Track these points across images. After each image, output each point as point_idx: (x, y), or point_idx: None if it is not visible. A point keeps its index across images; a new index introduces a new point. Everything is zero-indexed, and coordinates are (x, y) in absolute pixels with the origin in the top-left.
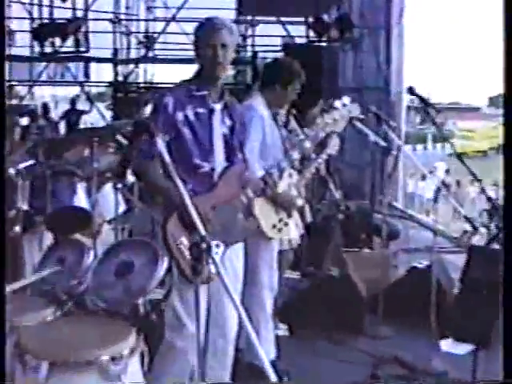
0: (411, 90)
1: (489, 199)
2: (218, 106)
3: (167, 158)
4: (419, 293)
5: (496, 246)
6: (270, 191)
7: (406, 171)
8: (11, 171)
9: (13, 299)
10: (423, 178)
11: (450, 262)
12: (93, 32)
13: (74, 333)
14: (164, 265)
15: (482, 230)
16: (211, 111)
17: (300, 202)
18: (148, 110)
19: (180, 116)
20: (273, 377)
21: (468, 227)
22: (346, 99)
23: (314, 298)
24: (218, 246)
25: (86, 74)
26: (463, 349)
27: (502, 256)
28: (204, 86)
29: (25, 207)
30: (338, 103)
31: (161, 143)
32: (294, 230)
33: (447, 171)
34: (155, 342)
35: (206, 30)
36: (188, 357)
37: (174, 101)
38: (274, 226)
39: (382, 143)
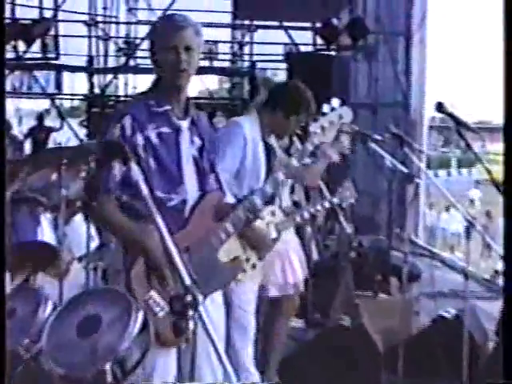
0: (440, 107)
1: None
2: (184, 124)
3: (145, 188)
4: (446, 347)
5: None
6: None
7: (425, 201)
8: None
9: None
10: (447, 208)
11: (482, 310)
12: (64, 36)
13: None
14: (138, 320)
15: None
16: (177, 130)
17: (274, 244)
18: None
19: (140, 139)
20: None
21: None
22: (335, 101)
23: (321, 352)
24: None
25: (58, 86)
26: None
27: None
28: (164, 99)
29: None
30: (325, 107)
31: (137, 170)
32: (259, 276)
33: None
34: None
35: (166, 30)
36: None
37: (131, 121)
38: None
39: (403, 169)
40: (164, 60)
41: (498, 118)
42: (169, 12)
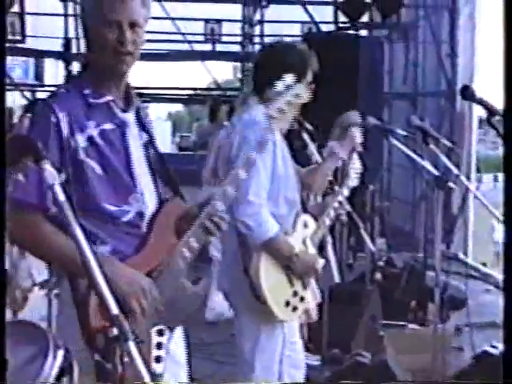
0: (466, 92)
1: None
2: (129, 116)
3: (61, 195)
4: None
5: None
6: (281, 251)
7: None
8: None
9: None
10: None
11: None
12: (33, 14)
13: None
14: (56, 362)
15: None
16: (123, 126)
17: (321, 263)
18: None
19: (81, 140)
20: None
21: None
22: (290, 78)
23: None
24: (160, 333)
25: (38, 77)
26: None
27: None
28: (103, 88)
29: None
30: (279, 85)
31: (51, 172)
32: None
33: None
34: None
35: (108, 1)
36: None
37: (68, 117)
38: (288, 304)
39: (433, 171)
40: (102, 39)
41: None
42: None
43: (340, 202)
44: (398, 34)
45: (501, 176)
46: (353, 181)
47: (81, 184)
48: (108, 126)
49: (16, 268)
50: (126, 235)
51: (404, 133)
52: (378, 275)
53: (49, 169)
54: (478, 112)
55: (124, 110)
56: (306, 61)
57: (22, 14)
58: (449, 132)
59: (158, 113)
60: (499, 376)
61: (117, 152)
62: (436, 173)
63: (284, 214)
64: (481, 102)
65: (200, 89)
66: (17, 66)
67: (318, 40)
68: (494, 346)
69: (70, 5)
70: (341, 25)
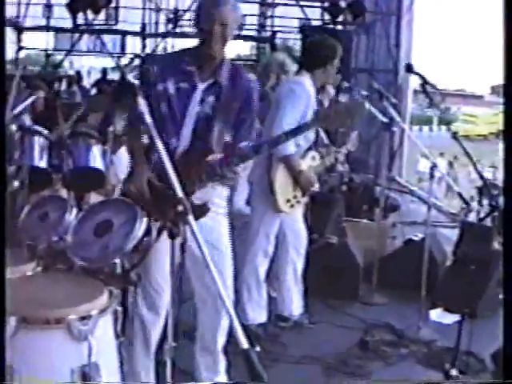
0: (409, 68)
1: (481, 177)
2: (202, 85)
3: (148, 118)
4: (413, 264)
5: (488, 223)
6: (293, 165)
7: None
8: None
9: None
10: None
11: (444, 236)
12: (124, 7)
13: (46, 290)
14: (142, 226)
15: (475, 206)
16: (193, 88)
17: (316, 185)
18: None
19: (160, 87)
20: (244, 343)
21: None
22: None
23: (313, 264)
24: None
25: (122, 48)
26: (451, 319)
27: (491, 233)
28: (194, 61)
29: (43, 165)
30: None
31: (143, 104)
32: (301, 209)
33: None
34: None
35: (207, 5)
36: (150, 332)
37: (156, 71)
38: (288, 201)
39: (383, 119)
40: (202, 30)
41: (470, 87)
42: None
43: (339, 152)
44: (362, 29)
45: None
46: (351, 146)
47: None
48: (184, 86)
49: (108, 170)
50: None
51: (366, 93)
52: (344, 187)
53: (141, 102)
54: (413, 84)
55: (202, 80)
56: (337, 50)
57: (117, 8)
58: (393, 96)
59: None
60: (418, 255)
61: (181, 104)
62: (385, 120)
63: (301, 144)
64: (418, 74)
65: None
66: (109, 42)
67: (310, 30)
68: (415, 235)
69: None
70: (326, 21)
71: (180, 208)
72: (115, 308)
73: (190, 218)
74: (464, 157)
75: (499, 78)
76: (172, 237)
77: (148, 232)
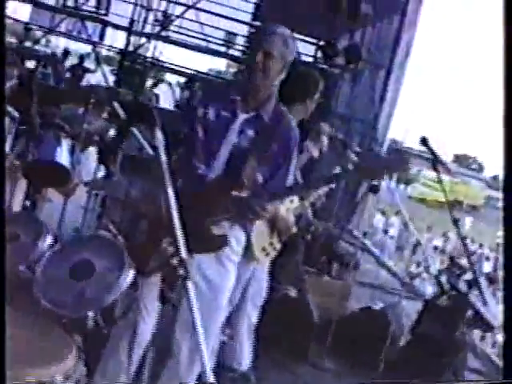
0: (424, 141)
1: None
2: (243, 116)
3: (163, 156)
4: (369, 333)
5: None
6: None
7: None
8: None
9: None
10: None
11: (403, 308)
12: None
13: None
14: (128, 278)
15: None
16: (234, 117)
17: (294, 229)
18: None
19: (200, 112)
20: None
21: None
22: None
23: (269, 315)
24: None
25: (101, 36)
26: None
27: (453, 312)
28: (240, 91)
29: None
30: None
31: (160, 139)
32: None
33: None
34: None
35: (256, 34)
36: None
37: (201, 95)
38: (264, 249)
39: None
40: (248, 58)
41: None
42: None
43: (318, 196)
44: (350, 75)
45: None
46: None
47: (188, 139)
48: (224, 114)
49: (73, 168)
50: (191, 182)
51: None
52: (309, 236)
53: (158, 134)
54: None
55: (243, 111)
56: (319, 84)
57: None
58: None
59: None
60: (376, 324)
61: (219, 132)
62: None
63: None
64: (431, 150)
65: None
66: (90, 27)
67: (300, 66)
68: (375, 303)
69: None
70: (318, 59)
71: (181, 271)
72: (80, 373)
73: (190, 284)
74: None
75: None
76: (163, 301)
77: (134, 284)
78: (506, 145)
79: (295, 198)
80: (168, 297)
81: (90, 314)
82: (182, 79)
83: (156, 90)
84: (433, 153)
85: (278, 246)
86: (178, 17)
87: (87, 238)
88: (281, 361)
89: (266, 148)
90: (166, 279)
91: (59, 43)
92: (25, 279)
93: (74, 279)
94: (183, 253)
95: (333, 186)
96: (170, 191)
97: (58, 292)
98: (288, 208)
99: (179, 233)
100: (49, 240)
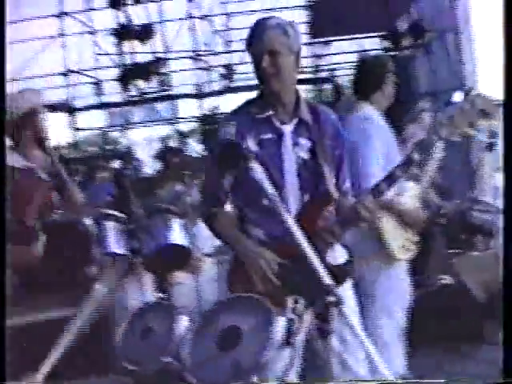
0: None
1: None
2: (288, 128)
3: (269, 187)
4: None
5: None
6: (395, 209)
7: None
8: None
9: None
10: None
11: None
12: (173, 72)
13: None
14: (279, 325)
15: None
16: (280, 136)
17: (424, 216)
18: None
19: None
20: None
21: None
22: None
23: (428, 309)
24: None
25: (174, 113)
26: None
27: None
28: (267, 105)
29: (120, 251)
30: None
31: (260, 170)
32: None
33: None
34: None
35: (250, 37)
36: None
37: (235, 130)
38: (403, 246)
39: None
40: (255, 67)
41: None
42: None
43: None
44: (421, 50)
45: None
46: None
47: (243, 181)
48: (266, 136)
49: (192, 245)
50: (277, 223)
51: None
52: (443, 220)
53: (256, 166)
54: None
55: (284, 122)
56: (387, 64)
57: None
58: None
59: None
60: None
61: (272, 157)
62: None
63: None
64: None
65: None
66: (160, 109)
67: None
68: None
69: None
70: (387, 48)
71: (331, 298)
72: None
73: (346, 309)
74: None
75: None
76: (324, 336)
77: (289, 330)
78: None
79: (411, 183)
80: (327, 330)
81: (254, 380)
82: None
83: None
84: None
85: (415, 238)
86: (238, 64)
87: (219, 303)
88: (463, 350)
89: (324, 149)
90: (318, 314)
91: (139, 135)
92: (175, 370)
93: (223, 350)
94: (326, 278)
95: (439, 155)
96: (290, 220)
97: (211, 371)
98: (411, 195)
99: (312, 255)
100: (185, 322)
